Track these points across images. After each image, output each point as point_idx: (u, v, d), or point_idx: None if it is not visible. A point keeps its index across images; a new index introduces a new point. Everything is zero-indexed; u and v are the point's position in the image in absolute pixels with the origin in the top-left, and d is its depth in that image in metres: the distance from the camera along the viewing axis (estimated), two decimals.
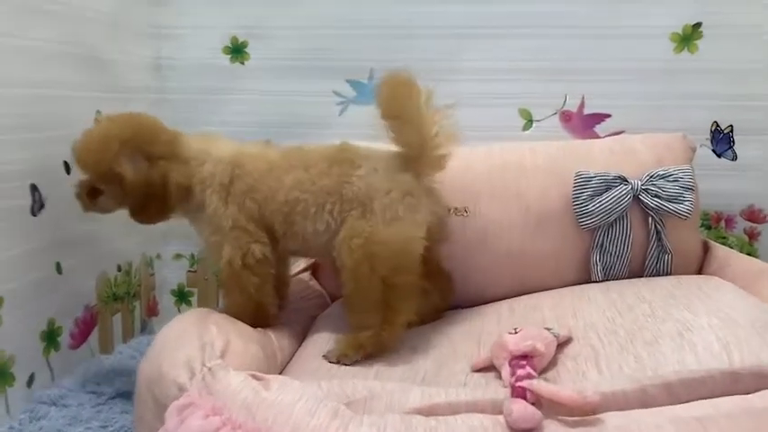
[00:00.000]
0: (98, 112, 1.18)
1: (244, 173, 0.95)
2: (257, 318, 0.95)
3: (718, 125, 1.31)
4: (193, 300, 1.49)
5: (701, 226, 1.32)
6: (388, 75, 0.93)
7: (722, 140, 1.31)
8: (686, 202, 1.06)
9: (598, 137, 1.32)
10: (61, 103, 1.09)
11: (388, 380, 0.85)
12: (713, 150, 1.32)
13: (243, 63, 1.40)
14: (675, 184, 1.07)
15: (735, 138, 1.31)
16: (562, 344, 0.85)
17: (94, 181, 0.94)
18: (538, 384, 0.69)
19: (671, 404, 0.69)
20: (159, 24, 1.40)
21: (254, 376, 0.74)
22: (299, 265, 1.21)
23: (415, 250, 0.91)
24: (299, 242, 0.96)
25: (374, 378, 0.86)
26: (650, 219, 1.08)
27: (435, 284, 1.03)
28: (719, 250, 1.15)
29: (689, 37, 1.29)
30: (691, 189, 1.07)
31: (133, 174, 0.91)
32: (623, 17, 1.29)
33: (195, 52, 1.40)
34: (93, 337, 1.20)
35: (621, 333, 0.84)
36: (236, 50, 1.40)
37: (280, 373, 0.92)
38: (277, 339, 0.96)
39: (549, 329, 0.85)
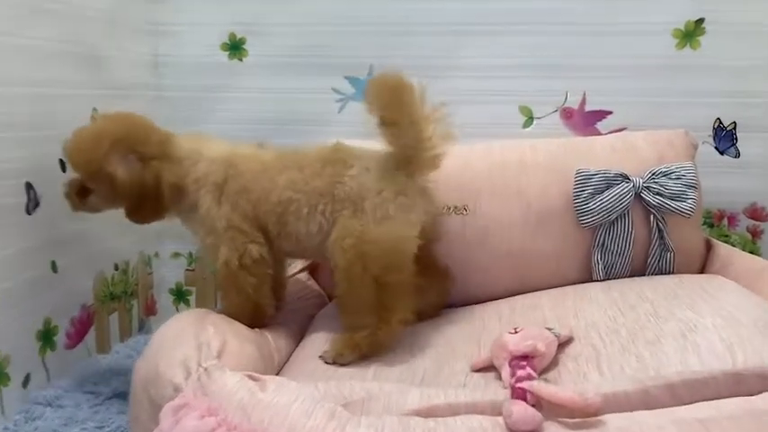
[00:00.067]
0: (94, 109, 1.17)
1: (237, 173, 0.94)
2: (255, 318, 0.95)
3: (720, 122, 1.30)
4: (192, 299, 1.48)
5: (704, 224, 1.31)
6: (378, 77, 0.92)
7: (725, 137, 1.30)
8: (689, 200, 1.05)
9: (599, 134, 1.31)
10: (57, 101, 1.08)
11: (387, 380, 0.84)
12: (716, 148, 1.31)
13: (241, 60, 1.39)
14: (678, 181, 1.06)
15: (738, 135, 1.30)
16: (563, 344, 0.84)
17: (85, 180, 0.94)
18: (538, 385, 0.68)
19: (673, 405, 0.68)
20: (157, 21, 1.39)
21: (250, 377, 0.73)
22: (296, 265, 1.20)
23: (407, 249, 0.90)
24: (292, 243, 0.95)
25: (372, 379, 0.85)
26: (652, 217, 1.07)
27: (432, 281, 1.03)
28: (722, 248, 1.14)
29: (691, 33, 1.28)
30: (693, 187, 1.06)
31: (126, 174, 0.91)
32: (625, 13, 1.28)
33: (193, 49, 1.39)
34: (91, 337, 1.19)
35: (623, 333, 0.83)
36: (235, 47, 1.39)
37: (277, 374, 0.91)
38: (274, 340, 0.95)
39: (549, 329, 0.84)
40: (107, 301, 1.24)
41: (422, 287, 0.98)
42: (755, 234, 1.33)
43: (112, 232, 1.23)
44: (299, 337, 1.03)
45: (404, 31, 1.34)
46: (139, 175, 0.92)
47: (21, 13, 1.00)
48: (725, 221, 1.34)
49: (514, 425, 0.64)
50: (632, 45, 1.28)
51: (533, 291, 1.08)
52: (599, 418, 0.65)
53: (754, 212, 1.33)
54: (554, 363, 0.81)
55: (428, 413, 0.70)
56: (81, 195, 0.95)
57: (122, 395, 1.04)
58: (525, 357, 0.76)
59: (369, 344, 0.89)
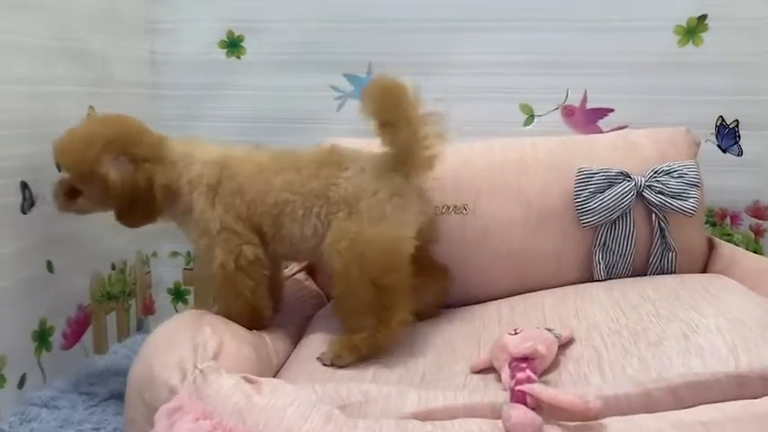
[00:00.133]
0: (91, 108, 1.16)
1: (231, 174, 0.93)
2: (253, 320, 0.94)
3: (723, 120, 1.29)
4: (190, 298, 1.47)
5: (706, 223, 1.29)
6: (376, 79, 0.92)
7: (728, 135, 1.29)
8: (691, 199, 1.04)
9: (601, 132, 1.29)
10: (53, 99, 1.08)
11: (386, 382, 0.83)
12: (718, 145, 1.29)
13: (239, 57, 1.38)
14: (680, 180, 1.05)
15: (740, 133, 1.28)
16: (564, 345, 0.83)
17: (74, 181, 0.93)
18: (538, 388, 0.67)
19: (675, 408, 0.68)
20: (154, 18, 1.38)
21: (246, 379, 0.72)
22: (294, 265, 1.19)
23: (404, 250, 0.89)
24: (287, 246, 0.95)
25: (371, 380, 0.84)
26: (654, 216, 1.06)
27: (431, 280, 1.02)
28: (725, 248, 1.12)
29: (693, 30, 1.26)
30: (696, 185, 1.05)
31: (118, 176, 0.90)
32: (627, 10, 1.27)
33: (190, 47, 1.38)
34: (88, 337, 1.18)
35: (625, 334, 0.82)
36: (233, 45, 1.37)
37: (275, 375, 0.90)
38: (272, 341, 0.94)
39: (550, 330, 0.83)
40: (104, 301, 1.24)
41: (420, 287, 0.97)
42: (758, 233, 1.32)
43: (109, 232, 1.22)
44: (296, 337, 1.02)
45: (404, 28, 1.32)
46: (131, 177, 0.91)
47: (15, 10, 0.99)
48: (727, 220, 1.33)
49: (514, 429, 0.63)
50: (634, 42, 1.27)
51: (534, 290, 1.06)
52: (600, 421, 0.65)
53: (756, 211, 1.31)
54: (555, 364, 0.80)
55: (426, 416, 0.69)
56: (69, 196, 0.95)
57: (119, 396, 1.03)
58: (525, 359, 0.75)
59: (368, 346, 0.88)
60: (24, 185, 1.01)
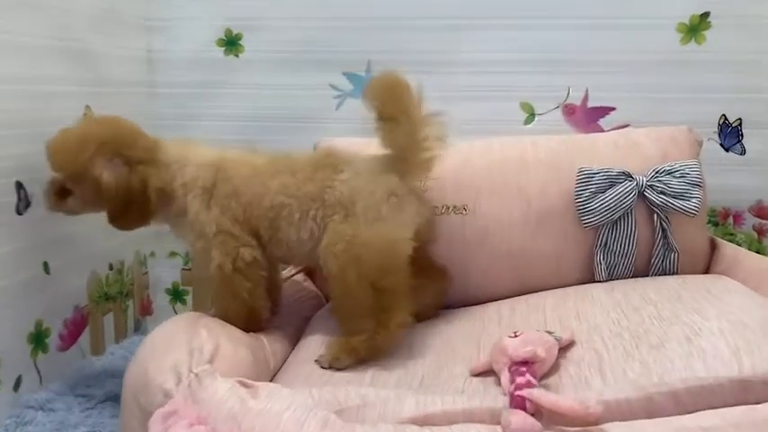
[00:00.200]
0: (87, 107, 1.15)
1: (227, 177, 0.93)
2: (250, 322, 0.93)
3: (726, 118, 1.27)
4: (188, 298, 1.46)
5: (709, 222, 1.29)
6: (382, 74, 0.91)
7: (730, 134, 1.28)
8: (693, 199, 1.03)
9: (602, 131, 1.28)
10: (48, 99, 1.07)
11: (384, 385, 0.82)
12: (721, 144, 1.28)
13: (237, 56, 1.37)
14: (682, 179, 1.04)
15: (743, 131, 1.27)
16: (565, 347, 0.82)
17: (66, 181, 0.92)
18: (538, 393, 0.65)
19: (677, 413, 0.66)
20: (151, 16, 1.37)
21: (241, 383, 0.71)
22: (292, 267, 1.18)
23: (401, 252, 0.88)
24: (283, 249, 0.94)
25: (369, 383, 0.83)
26: (656, 216, 1.04)
27: (429, 281, 1.01)
28: (728, 248, 1.11)
29: (696, 27, 1.25)
30: (698, 185, 1.04)
31: (111, 178, 0.89)
32: (628, 7, 1.26)
33: (188, 45, 1.37)
34: (85, 339, 1.17)
35: (626, 336, 0.81)
36: (231, 43, 1.36)
37: (272, 378, 0.90)
38: (269, 343, 0.93)
39: (550, 333, 0.82)
40: (101, 302, 1.23)
41: (419, 288, 0.97)
42: (761, 233, 1.31)
43: (106, 232, 1.19)
44: (294, 339, 1.01)
45: (403, 26, 1.31)
46: (126, 179, 0.90)
47: (9, 8, 0.98)
48: (730, 220, 1.31)
49: None
50: (636, 40, 1.26)
51: (534, 292, 1.05)
52: (600, 427, 0.63)
53: (760, 211, 1.30)
54: (555, 367, 0.79)
55: (424, 421, 0.68)
56: (60, 196, 0.94)
57: (116, 398, 1.02)
58: (525, 363, 0.73)
59: (367, 348, 0.87)
60: (20, 185, 1.00)
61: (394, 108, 0.88)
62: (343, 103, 1.36)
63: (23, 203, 1.00)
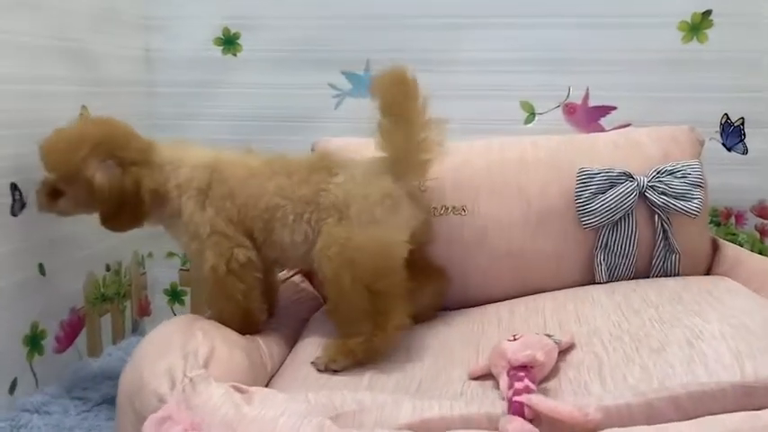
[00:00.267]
0: (83, 107, 1.15)
1: (222, 178, 0.92)
2: (246, 325, 0.92)
3: (728, 117, 1.26)
4: (187, 299, 1.45)
5: (710, 222, 1.27)
6: (391, 69, 0.90)
7: (732, 133, 1.27)
8: (695, 200, 1.02)
9: (603, 130, 1.27)
10: (44, 99, 1.06)
11: (382, 389, 0.81)
12: (723, 144, 1.27)
13: (235, 55, 1.36)
14: (683, 180, 1.03)
15: (746, 131, 1.26)
16: (564, 350, 0.81)
17: (58, 182, 0.92)
18: (536, 399, 0.65)
19: (678, 419, 0.66)
20: (148, 15, 1.36)
21: (236, 388, 0.71)
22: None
23: (396, 254, 0.87)
24: (277, 252, 0.94)
25: (367, 386, 0.83)
26: (657, 217, 1.03)
27: (427, 282, 1.00)
28: (729, 249, 1.10)
29: (698, 26, 1.24)
30: (699, 186, 1.03)
31: (105, 179, 0.89)
32: (629, 6, 1.24)
33: (186, 44, 1.36)
34: (81, 341, 1.17)
35: (626, 339, 0.80)
36: (228, 42, 1.35)
37: (269, 381, 0.89)
38: (266, 345, 0.92)
39: (549, 336, 0.81)
40: (98, 303, 1.22)
41: (417, 289, 0.97)
42: (764, 233, 1.30)
43: (103, 233, 1.18)
44: (292, 341, 1.00)
45: (402, 25, 1.31)
46: (119, 180, 0.90)
47: (5, 7, 0.97)
48: (732, 220, 1.30)
49: None
50: (637, 38, 1.25)
51: (534, 293, 1.05)
52: None
53: (762, 210, 1.29)
54: (555, 371, 0.78)
55: (421, 427, 0.68)
56: (52, 197, 0.93)
57: (112, 401, 1.00)
58: (524, 367, 0.72)
59: (364, 350, 0.86)
60: (14, 187, 0.99)
61: (399, 105, 0.88)
62: (341, 103, 1.35)
63: (18, 205, 1.00)
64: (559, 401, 0.67)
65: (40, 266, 1.05)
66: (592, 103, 1.29)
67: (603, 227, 1.04)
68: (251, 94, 1.36)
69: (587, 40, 1.26)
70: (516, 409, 0.65)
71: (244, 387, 0.71)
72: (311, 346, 0.94)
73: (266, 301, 0.97)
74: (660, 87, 1.26)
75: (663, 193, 1.02)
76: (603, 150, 1.10)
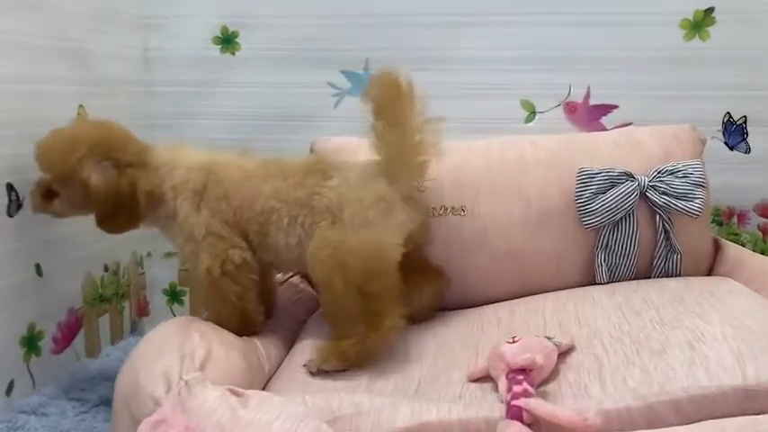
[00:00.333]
0: (80, 106, 1.14)
1: (218, 179, 0.92)
2: (243, 327, 0.92)
3: (730, 116, 1.25)
4: (186, 299, 1.45)
5: (712, 222, 1.27)
6: (384, 72, 0.89)
7: (735, 132, 1.25)
8: (696, 200, 1.01)
9: (604, 129, 1.26)
10: (41, 98, 1.05)
11: (380, 391, 0.81)
12: (725, 143, 1.26)
13: (233, 54, 1.35)
14: (685, 180, 1.02)
15: (748, 129, 1.25)
16: (564, 352, 0.80)
17: (54, 183, 0.92)
18: (534, 404, 0.64)
19: (679, 423, 0.65)
20: (147, 14, 1.35)
21: (232, 391, 0.70)
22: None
23: (388, 256, 0.86)
24: (272, 254, 0.93)
25: (365, 388, 0.82)
26: (658, 217, 1.02)
27: (425, 282, 1.00)
28: (731, 249, 1.09)
29: (700, 23, 1.23)
30: (701, 185, 1.02)
31: (100, 180, 0.89)
32: (631, 3, 1.23)
33: (184, 43, 1.35)
34: (79, 341, 1.16)
35: (627, 341, 0.79)
36: (227, 40, 1.35)
37: (267, 383, 0.88)
38: (264, 347, 0.92)
39: (549, 338, 0.80)
40: (96, 304, 1.21)
41: (415, 289, 0.97)
42: (766, 232, 1.29)
43: (101, 234, 1.19)
44: (290, 342, 0.99)
45: (402, 23, 1.30)
46: (115, 182, 0.90)
47: (5, 8, 0.97)
48: (734, 219, 1.29)
49: None
50: (639, 36, 1.24)
51: (534, 293, 1.04)
52: None
53: (764, 210, 1.28)
54: (554, 373, 0.77)
55: (419, 430, 0.67)
56: (47, 197, 0.93)
57: (110, 402, 0.98)
58: (523, 371, 0.72)
59: (357, 352, 0.85)
60: (10, 187, 0.98)
61: (392, 109, 0.87)
62: (341, 102, 1.34)
63: (14, 205, 0.99)
64: (558, 405, 0.66)
65: (37, 267, 1.04)
66: (593, 101, 1.28)
67: (604, 227, 1.03)
68: (250, 93, 1.35)
69: (588, 37, 1.25)
70: (514, 414, 0.64)
71: (240, 390, 0.71)
72: (309, 348, 0.93)
73: (264, 303, 0.97)
74: (662, 86, 1.25)
75: (664, 193, 1.02)
76: (604, 149, 1.09)
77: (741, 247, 1.13)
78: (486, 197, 1.07)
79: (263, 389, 0.85)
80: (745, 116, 1.24)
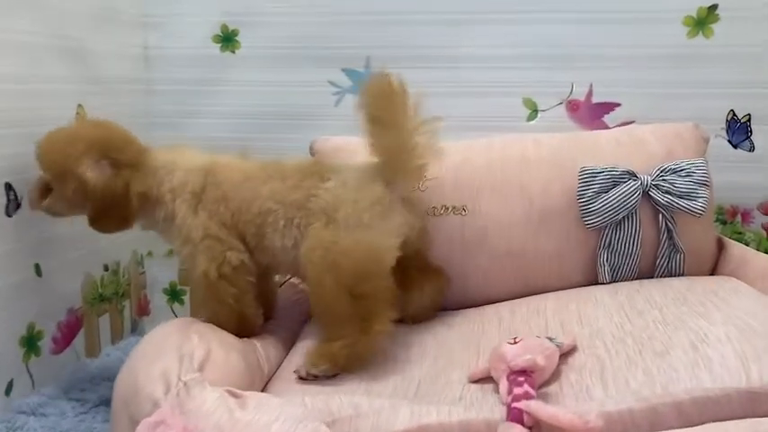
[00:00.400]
0: (79, 105, 1.13)
1: (217, 181, 0.92)
2: (240, 329, 0.91)
3: (734, 114, 1.24)
4: (186, 298, 1.44)
5: (716, 220, 1.26)
6: (376, 77, 0.89)
7: (739, 130, 1.24)
8: (700, 199, 1.00)
9: (607, 127, 1.25)
10: (40, 97, 1.05)
11: (380, 392, 0.80)
12: (729, 141, 1.25)
13: (234, 52, 1.34)
14: (688, 179, 1.01)
15: (752, 127, 1.24)
16: (566, 352, 0.80)
17: (50, 179, 0.92)
18: (536, 406, 0.63)
19: (681, 426, 0.64)
20: (147, 13, 1.35)
21: (230, 393, 0.70)
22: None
23: (382, 258, 0.86)
24: (269, 257, 0.93)
25: (365, 389, 0.81)
26: (661, 216, 1.01)
27: (425, 281, 0.99)
28: (735, 248, 1.08)
29: (703, 20, 1.22)
30: (705, 184, 1.01)
31: (95, 178, 0.89)
32: (633, 0, 1.22)
33: (184, 41, 1.35)
34: (79, 341, 1.16)
35: (630, 342, 0.78)
36: (227, 39, 1.34)
37: (266, 384, 0.88)
38: (263, 348, 0.91)
39: (551, 339, 0.79)
40: (96, 304, 1.21)
41: (415, 289, 0.97)
42: None
43: (100, 233, 1.19)
44: (290, 343, 0.99)
45: (403, 21, 1.29)
46: (110, 180, 0.90)
47: (4, 6, 0.96)
48: (738, 218, 1.28)
49: None
50: (641, 34, 1.23)
51: (536, 293, 1.03)
52: None
53: None
54: (556, 374, 0.77)
55: None
56: (43, 194, 0.93)
57: (109, 402, 0.98)
58: (524, 372, 0.71)
59: (346, 355, 0.84)
60: (9, 187, 0.98)
61: (386, 114, 0.86)
62: (341, 100, 1.33)
63: (13, 205, 0.99)
64: (560, 408, 0.65)
65: (36, 267, 1.04)
66: (595, 99, 1.27)
67: (606, 226, 1.02)
68: (250, 91, 1.34)
69: (590, 35, 1.24)
70: (515, 416, 0.64)
71: (238, 391, 0.70)
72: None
73: (264, 304, 0.96)
74: (665, 83, 1.24)
75: (667, 192, 1.01)
76: (606, 148, 1.08)
77: (745, 246, 1.12)
78: (487, 196, 1.06)
79: (263, 390, 0.85)
80: (749, 114, 1.23)
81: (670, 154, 1.05)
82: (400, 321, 0.97)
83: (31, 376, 1.03)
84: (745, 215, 1.28)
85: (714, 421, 0.63)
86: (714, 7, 1.21)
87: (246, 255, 0.91)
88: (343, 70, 1.32)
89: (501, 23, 1.26)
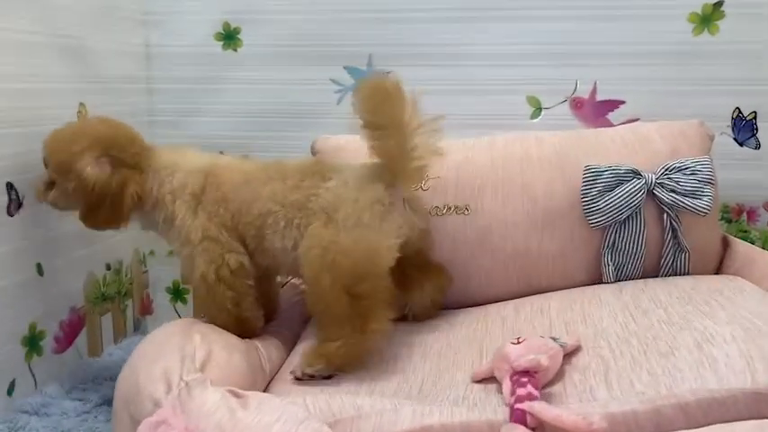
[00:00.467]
0: (81, 104, 1.13)
1: (217, 183, 0.92)
2: (241, 332, 0.91)
3: (740, 111, 1.23)
4: (189, 297, 1.44)
5: (722, 219, 1.25)
6: (370, 80, 0.89)
7: (744, 128, 1.23)
8: (705, 198, 0.99)
9: (611, 125, 1.25)
10: (41, 96, 1.05)
11: (382, 392, 0.80)
12: (735, 139, 1.24)
13: (235, 50, 1.34)
14: (693, 177, 1.00)
15: (758, 125, 1.23)
16: (570, 352, 0.79)
17: (52, 171, 0.93)
18: (539, 407, 0.62)
19: (686, 427, 0.64)
20: (148, 10, 1.34)
21: (232, 392, 0.69)
22: None
23: (380, 259, 0.85)
24: (269, 258, 0.92)
25: (368, 389, 0.81)
26: (665, 215, 1.01)
27: (427, 279, 0.99)
28: (741, 246, 1.08)
29: (709, 17, 1.21)
30: (710, 183, 1.00)
31: (93, 173, 0.89)
32: None
33: (186, 39, 1.34)
34: (81, 340, 1.15)
35: (634, 342, 0.78)
36: (229, 37, 1.34)
37: (268, 384, 0.87)
38: (265, 348, 0.91)
39: (555, 339, 0.78)
40: (99, 303, 1.21)
41: (416, 287, 0.97)
42: None
43: (103, 232, 1.19)
44: (292, 343, 0.98)
45: (405, 19, 1.28)
46: (107, 177, 0.90)
47: (4, 5, 0.96)
48: (744, 216, 1.27)
49: None
50: (646, 31, 1.22)
51: (539, 293, 1.02)
52: None
53: None
54: (560, 375, 0.76)
55: None
56: (47, 187, 0.95)
57: (111, 402, 1.00)
58: (527, 372, 0.70)
59: (342, 355, 0.83)
60: (10, 186, 0.98)
61: (380, 118, 0.84)
62: (343, 98, 1.33)
63: (15, 204, 0.99)
64: (563, 409, 0.64)
65: (38, 266, 1.04)
66: (599, 97, 1.26)
67: (611, 225, 1.01)
68: (252, 89, 1.34)
69: (595, 32, 1.23)
70: (518, 417, 0.63)
71: (240, 391, 0.70)
72: None
73: (266, 306, 0.96)
74: (670, 81, 1.23)
75: (672, 191, 1.00)
76: (611, 146, 1.07)
77: (751, 244, 1.11)
78: (489, 195, 1.05)
79: (265, 390, 0.84)
80: (755, 111, 1.22)
81: (675, 152, 1.04)
82: (402, 320, 0.98)
83: (33, 376, 1.03)
84: (751, 213, 1.27)
85: (720, 422, 0.63)
86: (720, 4, 1.20)
87: (246, 257, 0.91)
88: (345, 68, 1.32)
89: (504, 20, 1.25)
